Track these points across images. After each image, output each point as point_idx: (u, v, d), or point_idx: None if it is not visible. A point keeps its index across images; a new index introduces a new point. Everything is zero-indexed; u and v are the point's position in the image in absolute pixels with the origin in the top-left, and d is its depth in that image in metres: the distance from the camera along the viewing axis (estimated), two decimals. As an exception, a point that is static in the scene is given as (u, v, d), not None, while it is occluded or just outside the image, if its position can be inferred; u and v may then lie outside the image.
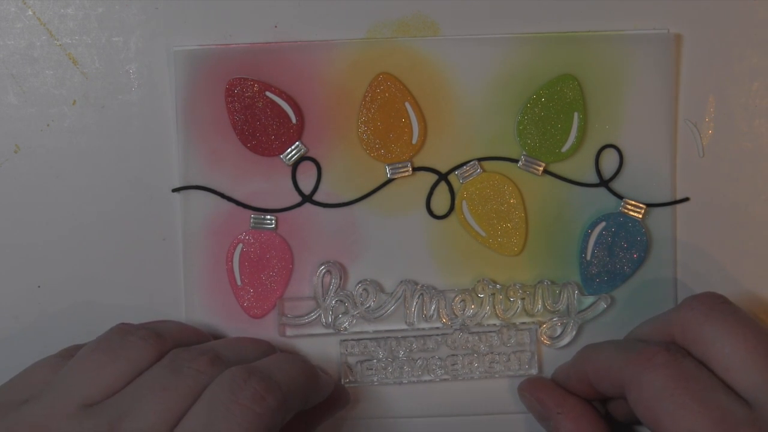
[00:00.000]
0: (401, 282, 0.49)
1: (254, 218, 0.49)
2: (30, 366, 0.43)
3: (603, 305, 0.50)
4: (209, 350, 0.42)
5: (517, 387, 0.50)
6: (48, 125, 0.49)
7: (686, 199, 0.50)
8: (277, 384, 0.41)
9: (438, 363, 0.50)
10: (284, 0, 0.48)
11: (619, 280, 0.50)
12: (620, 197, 0.50)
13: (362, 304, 0.49)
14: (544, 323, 0.50)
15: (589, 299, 0.50)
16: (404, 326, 0.50)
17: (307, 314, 0.49)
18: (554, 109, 0.49)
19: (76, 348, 0.44)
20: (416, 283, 0.49)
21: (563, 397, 0.47)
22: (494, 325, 0.50)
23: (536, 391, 0.48)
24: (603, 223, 0.49)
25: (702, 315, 0.43)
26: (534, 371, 0.50)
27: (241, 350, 0.45)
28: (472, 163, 0.49)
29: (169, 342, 0.43)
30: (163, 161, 0.49)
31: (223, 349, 0.44)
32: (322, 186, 0.49)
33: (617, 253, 0.49)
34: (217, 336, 0.49)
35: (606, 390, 0.45)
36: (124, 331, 0.43)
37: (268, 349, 0.47)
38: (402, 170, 0.49)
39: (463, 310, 0.49)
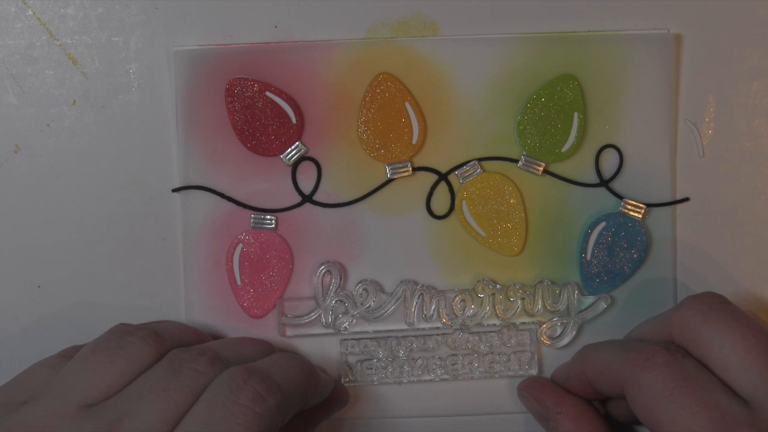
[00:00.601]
0: (401, 282, 0.49)
1: (254, 218, 0.49)
2: (29, 367, 0.43)
3: (603, 305, 0.50)
4: (208, 350, 0.42)
5: (516, 387, 0.50)
6: (48, 125, 0.49)
7: (686, 199, 0.50)
8: (276, 384, 0.41)
9: (438, 363, 0.50)
10: (284, 0, 0.48)
11: (619, 280, 0.50)
12: (620, 197, 0.50)
13: (362, 304, 0.49)
14: (544, 323, 0.50)
15: (589, 299, 0.50)
16: (404, 326, 0.50)
17: (307, 314, 0.49)
18: (554, 109, 0.49)
19: (76, 349, 0.44)
20: (416, 283, 0.49)
21: (562, 396, 0.47)
22: (494, 325, 0.50)
23: (536, 390, 0.48)
24: (603, 223, 0.49)
25: (701, 315, 0.43)
26: (534, 371, 0.50)
27: (240, 350, 0.45)
28: (472, 163, 0.49)
29: (169, 342, 0.43)
30: (163, 161, 0.49)
31: (222, 349, 0.44)
32: (322, 186, 0.49)
33: (617, 253, 0.49)
34: (217, 336, 0.49)
35: (605, 390, 0.45)
36: (123, 331, 0.42)
37: (267, 349, 0.47)
38: (402, 170, 0.49)
39: (463, 310, 0.49)
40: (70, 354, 0.44)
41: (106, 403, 0.39)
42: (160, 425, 0.38)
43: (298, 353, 0.49)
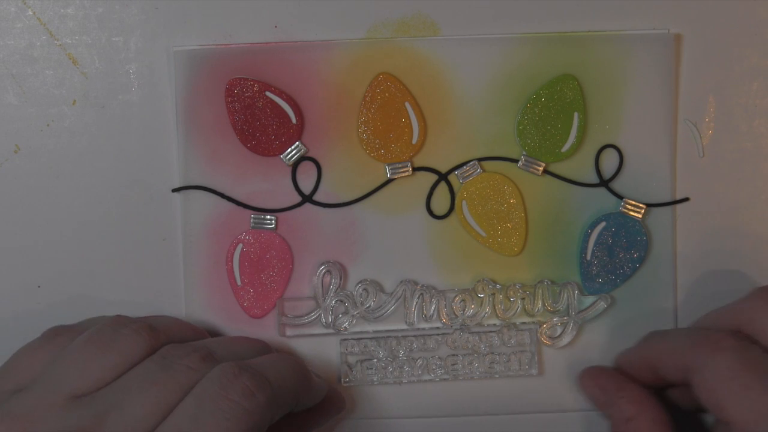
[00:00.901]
0: (401, 282, 0.49)
1: (254, 218, 0.49)
2: (14, 355, 0.43)
3: (603, 305, 0.49)
4: (202, 347, 0.42)
5: (577, 378, 0.49)
6: (48, 125, 0.49)
7: (686, 199, 0.50)
8: (267, 381, 0.40)
9: (438, 363, 0.50)
10: (284, 0, 0.48)
11: (619, 280, 0.50)
12: (620, 197, 0.50)
13: (362, 304, 0.49)
14: (544, 323, 0.50)
15: (589, 299, 0.50)
16: (404, 326, 0.49)
17: (307, 314, 0.49)
18: (554, 109, 0.49)
19: (56, 330, 0.44)
20: (416, 283, 0.49)
21: (625, 381, 0.47)
22: (494, 325, 0.50)
23: (597, 378, 0.48)
24: (603, 223, 0.49)
25: None
26: (534, 371, 0.50)
27: (235, 349, 0.45)
28: (472, 163, 0.49)
29: (163, 337, 0.43)
30: (163, 161, 0.49)
31: (216, 347, 0.44)
32: (322, 186, 0.49)
33: (617, 253, 0.49)
34: (216, 336, 0.49)
35: (670, 374, 0.45)
36: (118, 323, 0.42)
37: (262, 348, 0.46)
38: (402, 170, 0.49)
39: (463, 310, 0.49)
40: (51, 335, 0.43)
41: (95, 395, 0.39)
42: (147, 419, 0.38)
43: (293, 354, 0.49)
